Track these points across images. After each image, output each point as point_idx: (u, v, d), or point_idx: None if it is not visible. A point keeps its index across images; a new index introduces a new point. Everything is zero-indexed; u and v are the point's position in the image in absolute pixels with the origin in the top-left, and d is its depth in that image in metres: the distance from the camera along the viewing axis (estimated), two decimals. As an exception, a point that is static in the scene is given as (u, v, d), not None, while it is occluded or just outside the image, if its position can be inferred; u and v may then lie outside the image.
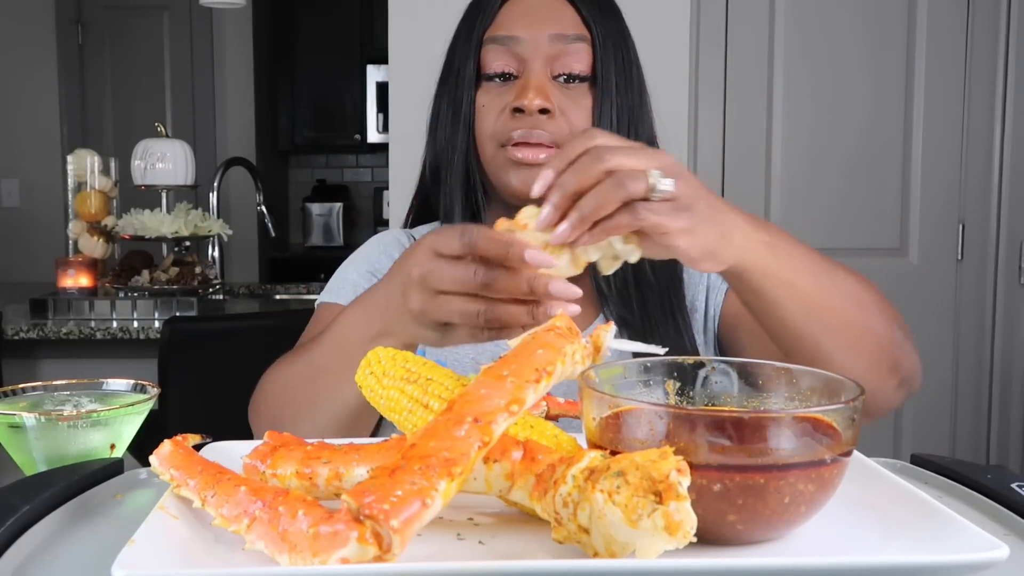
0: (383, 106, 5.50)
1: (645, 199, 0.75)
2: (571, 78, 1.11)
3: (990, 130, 2.66)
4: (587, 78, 1.12)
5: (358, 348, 0.87)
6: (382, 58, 3.45)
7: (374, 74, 5.56)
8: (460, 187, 1.16)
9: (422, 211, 1.26)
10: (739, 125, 2.66)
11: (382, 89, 5.46)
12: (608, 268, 0.79)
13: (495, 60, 1.12)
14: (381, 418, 1.05)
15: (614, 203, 0.74)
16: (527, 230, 0.75)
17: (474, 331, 0.80)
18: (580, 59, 1.11)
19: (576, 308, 0.74)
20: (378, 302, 0.87)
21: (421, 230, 1.25)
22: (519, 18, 1.12)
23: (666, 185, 0.75)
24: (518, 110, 1.09)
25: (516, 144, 1.09)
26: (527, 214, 0.76)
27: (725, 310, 1.17)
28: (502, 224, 0.77)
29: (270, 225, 3.39)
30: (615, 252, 0.78)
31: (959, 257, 2.69)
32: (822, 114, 2.64)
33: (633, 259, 0.79)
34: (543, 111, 1.08)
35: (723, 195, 2.67)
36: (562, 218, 0.75)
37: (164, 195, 2.94)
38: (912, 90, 2.63)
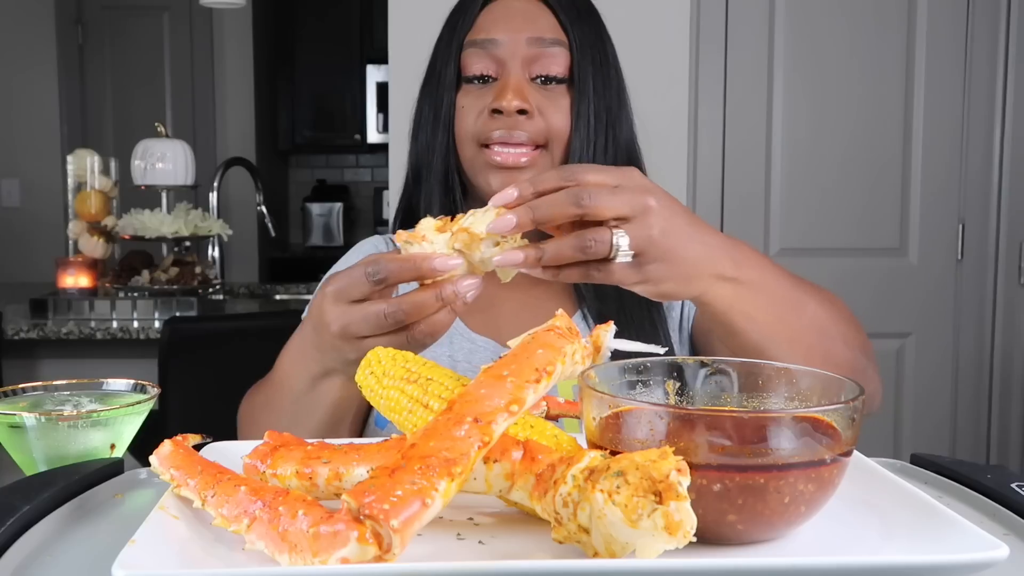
0: (383, 106, 5.50)
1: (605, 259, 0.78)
2: (548, 80, 1.13)
3: (990, 130, 2.66)
4: (564, 80, 1.13)
5: (305, 389, 0.92)
6: (382, 58, 3.45)
7: (374, 74, 5.56)
8: (440, 187, 1.18)
9: (408, 214, 1.27)
10: (739, 125, 2.65)
11: (382, 89, 5.46)
12: (506, 276, 0.80)
13: (474, 63, 1.14)
14: (365, 421, 1.06)
15: (571, 259, 0.77)
16: (425, 241, 0.78)
17: (412, 348, 0.82)
18: (557, 62, 1.13)
19: (476, 283, 0.78)
20: (309, 349, 0.89)
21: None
22: (498, 22, 1.14)
23: (625, 256, 0.78)
24: (497, 111, 1.11)
25: (496, 144, 1.11)
26: (425, 225, 0.78)
27: (699, 315, 1.19)
28: (401, 236, 0.79)
29: (270, 225, 3.39)
30: None
31: (959, 257, 2.69)
32: (822, 114, 2.64)
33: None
34: (521, 111, 1.10)
35: (723, 195, 2.66)
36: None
37: (164, 195, 2.94)
38: (912, 90, 2.63)
